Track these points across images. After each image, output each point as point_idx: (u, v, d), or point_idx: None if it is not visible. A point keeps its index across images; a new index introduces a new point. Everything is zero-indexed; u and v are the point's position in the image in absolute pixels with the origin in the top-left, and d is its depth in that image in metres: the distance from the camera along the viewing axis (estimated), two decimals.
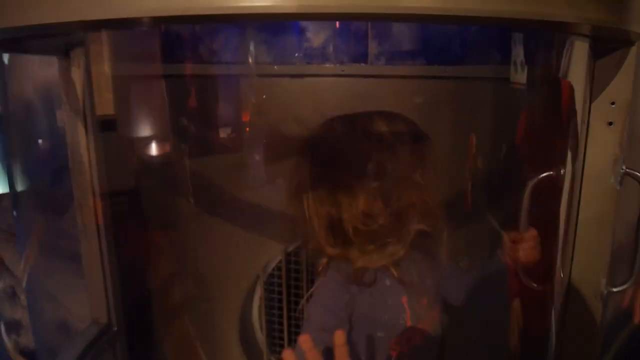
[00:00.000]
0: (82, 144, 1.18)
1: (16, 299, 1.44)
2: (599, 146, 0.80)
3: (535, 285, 0.85)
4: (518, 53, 0.84)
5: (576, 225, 0.83)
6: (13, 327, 1.33)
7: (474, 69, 1.00)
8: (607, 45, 0.73)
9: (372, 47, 1.11)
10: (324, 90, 1.20)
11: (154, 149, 1.34)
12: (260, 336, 1.48)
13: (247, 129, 1.32)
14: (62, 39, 1.05)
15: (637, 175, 0.81)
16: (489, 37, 0.96)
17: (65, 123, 1.20)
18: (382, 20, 0.94)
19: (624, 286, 0.86)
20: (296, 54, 1.18)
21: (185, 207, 1.37)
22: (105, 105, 1.23)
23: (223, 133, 1.36)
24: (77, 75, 1.15)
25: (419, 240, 0.92)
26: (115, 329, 1.23)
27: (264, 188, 1.33)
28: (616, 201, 0.81)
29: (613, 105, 0.78)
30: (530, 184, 0.81)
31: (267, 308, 1.43)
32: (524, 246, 0.83)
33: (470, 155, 0.95)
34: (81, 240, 1.21)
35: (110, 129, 1.23)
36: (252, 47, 1.21)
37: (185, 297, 1.41)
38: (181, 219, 1.39)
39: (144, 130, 1.33)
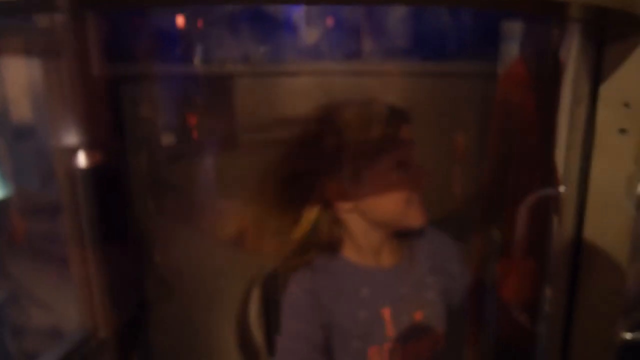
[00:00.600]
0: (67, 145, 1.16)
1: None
2: (608, 159, 0.63)
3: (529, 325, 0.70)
4: (510, 48, 0.69)
5: (580, 257, 0.67)
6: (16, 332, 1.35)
7: (469, 64, 0.87)
8: (617, 37, 0.56)
9: (365, 44, 1.00)
10: (317, 87, 1.11)
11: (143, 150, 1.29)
12: (259, 340, 1.43)
13: (240, 128, 1.26)
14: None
15: None
16: (481, 31, 0.81)
17: (50, 124, 1.18)
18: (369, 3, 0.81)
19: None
20: (285, 52, 1.11)
21: (177, 209, 1.33)
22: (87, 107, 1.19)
23: (215, 133, 1.30)
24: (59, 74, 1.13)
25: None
26: (103, 335, 1.21)
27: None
28: (631, 229, 0.64)
29: (627, 108, 0.60)
30: (522, 207, 0.66)
31: (265, 311, 1.37)
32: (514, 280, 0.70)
33: (459, 152, 0.83)
34: (67, 244, 1.19)
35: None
36: (241, 45, 1.14)
37: (179, 301, 1.38)
38: (175, 221, 1.35)
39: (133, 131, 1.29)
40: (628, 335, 0.68)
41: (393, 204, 0.78)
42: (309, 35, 1.02)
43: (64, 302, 1.18)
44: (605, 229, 0.64)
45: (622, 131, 0.61)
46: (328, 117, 0.82)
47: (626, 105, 0.60)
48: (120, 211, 1.27)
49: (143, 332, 1.33)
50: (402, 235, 0.86)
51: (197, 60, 1.12)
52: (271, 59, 1.12)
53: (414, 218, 0.79)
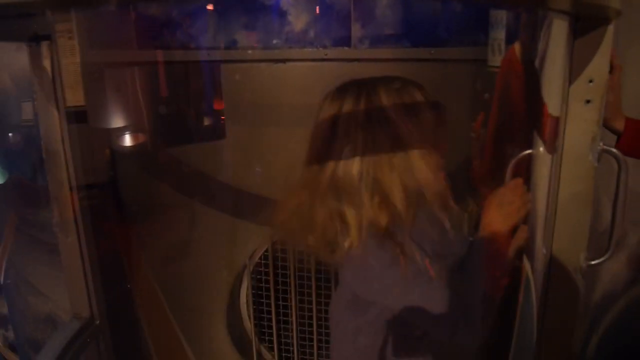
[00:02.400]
0: (56, 135, 1.15)
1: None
2: (577, 124, 0.82)
3: (516, 260, 0.87)
4: (497, 35, 0.85)
5: (556, 201, 0.85)
6: (1, 321, 1.29)
7: (457, 50, 1.01)
8: (585, 24, 0.75)
9: (355, 31, 1.10)
10: (306, 74, 1.19)
11: (132, 138, 1.31)
12: (249, 325, 1.48)
13: (228, 114, 1.31)
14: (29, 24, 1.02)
15: (614, 152, 0.83)
16: (470, 19, 0.97)
17: (39, 114, 1.17)
18: None
19: (601, 259, 0.89)
20: (278, 39, 1.16)
21: (168, 196, 1.35)
22: (77, 96, 1.19)
23: (210, 119, 1.34)
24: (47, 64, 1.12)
25: None
26: (98, 322, 1.21)
27: (247, 175, 1.32)
28: (594, 178, 0.84)
29: (591, 84, 0.80)
30: (512, 162, 0.83)
31: (255, 297, 1.43)
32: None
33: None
34: (59, 233, 1.18)
35: (83, 120, 1.20)
36: (232, 32, 1.19)
37: (171, 289, 1.40)
38: (164, 210, 1.37)
39: (122, 119, 1.30)
40: (593, 262, 0.87)
41: (431, 171, 0.80)
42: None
43: (60, 290, 1.16)
44: (575, 175, 0.83)
45: (588, 102, 0.81)
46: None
47: (590, 81, 0.80)
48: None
49: (136, 318, 1.33)
50: None
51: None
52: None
53: (436, 188, 0.82)
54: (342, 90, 0.83)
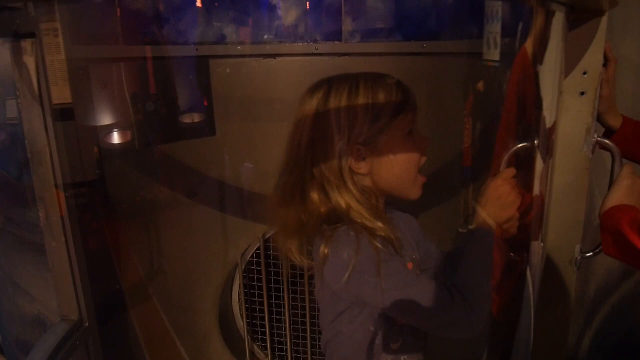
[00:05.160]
0: (41, 133, 1.12)
1: None
2: (572, 116, 0.82)
3: (512, 253, 0.86)
4: (493, 28, 0.84)
5: (551, 193, 0.85)
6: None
7: (450, 44, 1.00)
8: (579, 16, 0.74)
9: (346, 25, 1.09)
10: (297, 69, 1.17)
11: (120, 136, 1.28)
12: (241, 323, 1.47)
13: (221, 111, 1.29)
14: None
15: (607, 143, 0.83)
16: (464, 11, 0.96)
17: (22, 112, 1.14)
18: None
19: (595, 251, 0.89)
20: (268, 33, 1.14)
21: (158, 194, 1.33)
22: (63, 93, 1.17)
23: (199, 116, 1.32)
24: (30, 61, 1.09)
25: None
26: (87, 324, 1.19)
27: (237, 171, 1.31)
28: (589, 169, 0.84)
29: (585, 75, 0.80)
30: (506, 154, 0.82)
31: (247, 295, 1.42)
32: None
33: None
34: (45, 234, 1.15)
35: (69, 117, 1.18)
36: (221, 27, 1.17)
37: (161, 288, 1.37)
38: (153, 208, 1.35)
39: (108, 116, 1.27)
40: (588, 254, 0.87)
41: (404, 169, 0.80)
42: None
43: (48, 291, 1.13)
44: (570, 166, 0.83)
45: (582, 93, 0.80)
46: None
47: (584, 73, 0.79)
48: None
49: (126, 318, 1.31)
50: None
51: None
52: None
53: (417, 189, 0.82)
54: (310, 90, 0.82)
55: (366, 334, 0.83)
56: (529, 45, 0.75)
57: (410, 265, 0.83)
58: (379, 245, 0.76)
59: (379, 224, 0.78)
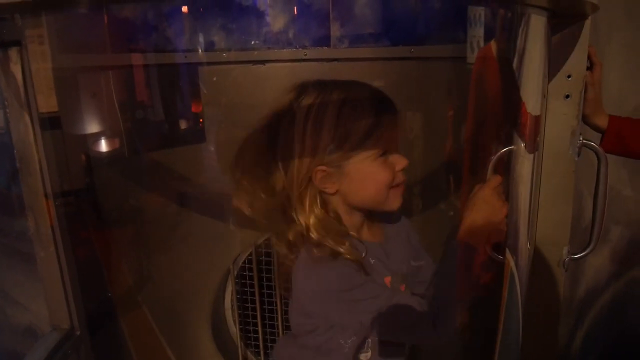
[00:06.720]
0: (29, 142, 1.12)
1: None
2: (557, 119, 0.83)
3: (499, 256, 0.87)
4: (476, 32, 0.85)
5: (538, 195, 0.85)
6: None
7: (437, 48, 1.01)
8: (562, 20, 0.75)
9: (334, 30, 1.09)
10: (286, 75, 1.18)
11: (108, 143, 1.28)
12: (234, 330, 1.46)
13: (206, 118, 1.29)
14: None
15: (593, 145, 0.84)
16: (450, 16, 0.96)
17: (10, 121, 1.13)
18: None
19: (584, 253, 0.89)
20: (256, 40, 1.15)
21: (148, 202, 1.33)
22: (50, 101, 1.16)
23: (188, 123, 1.32)
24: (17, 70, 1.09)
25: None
26: (79, 333, 1.18)
27: (227, 179, 1.30)
28: (575, 171, 0.84)
29: (569, 79, 0.80)
30: (492, 160, 0.82)
31: (240, 301, 1.41)
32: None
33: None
34: (35, 243, 1.15)
35: (57, 126, 1.17)
36: (210, 34, 1.17)
37: (153, 296, 1.37)
38: (144, 216, 1.34)
39: (96, 124, 1.27)
40: (575, 256, 0.88)
41: (374, 191, 0.77)
42: None
43: (39, 300, 1.13)
44: (556, 169, 0.83)
45: (567, 96, 0.81)
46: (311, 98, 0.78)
47: (569, 76, 0.80)
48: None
49: (118, 326, 1.30)
50: (376, 215, 0.87)
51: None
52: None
53: (393, 203, 0.79)
54: (284, 94, 0.82)
55: (337, 346, 0.82)
56: (494, 45, 0.76)
57: (387, 279, 0.82)
58: (344, 269, 0.76)
59: (343, 246, 0.76)
